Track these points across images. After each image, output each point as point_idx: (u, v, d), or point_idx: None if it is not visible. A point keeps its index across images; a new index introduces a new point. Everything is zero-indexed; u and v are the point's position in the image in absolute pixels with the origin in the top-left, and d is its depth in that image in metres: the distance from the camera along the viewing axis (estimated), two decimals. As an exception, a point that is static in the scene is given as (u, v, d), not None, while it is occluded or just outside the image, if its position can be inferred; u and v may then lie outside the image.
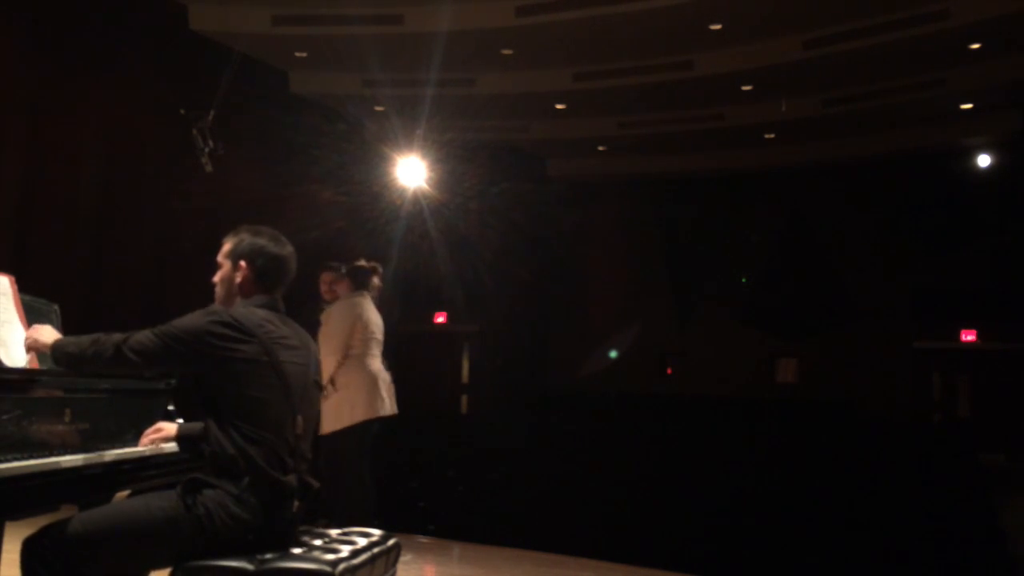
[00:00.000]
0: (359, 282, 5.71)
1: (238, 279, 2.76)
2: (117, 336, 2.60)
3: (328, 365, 5.34)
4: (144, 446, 2.89)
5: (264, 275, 2.76)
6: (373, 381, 5.54)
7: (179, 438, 2.90)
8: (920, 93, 12.35)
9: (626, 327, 16.77)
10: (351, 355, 5.55)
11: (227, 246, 2.82)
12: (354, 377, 5.50)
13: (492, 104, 12.87)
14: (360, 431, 5.49)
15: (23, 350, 2.78)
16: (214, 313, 2.63)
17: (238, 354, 2.57)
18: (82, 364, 2.63)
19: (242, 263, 2.76)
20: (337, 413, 5.45)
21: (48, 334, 2.72)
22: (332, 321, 5.58)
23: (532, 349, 16.97)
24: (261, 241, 2.80)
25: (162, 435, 2.92)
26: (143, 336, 2.59)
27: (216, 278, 2.84)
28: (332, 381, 5.46)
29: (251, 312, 2.67)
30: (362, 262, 5.82)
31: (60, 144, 9.03)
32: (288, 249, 2.84)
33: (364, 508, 5.46)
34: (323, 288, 6.11)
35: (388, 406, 5.60)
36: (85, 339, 2.63)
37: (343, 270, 5.79)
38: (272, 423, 2.57)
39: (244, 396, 2.55)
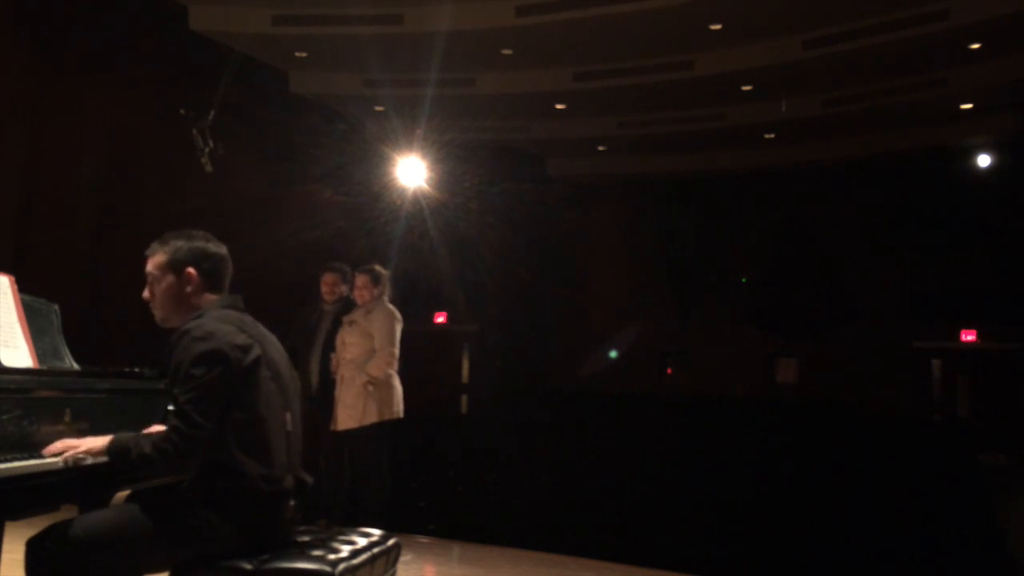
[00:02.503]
0: (386, 288, 5.79)
1: (188, 288, 2.66)
2: (171, 435, 2.42)
3: (381, 366, 5.57)
4: (52, 455, 2.47)
5: (212, 276, 2.69)
6: (396, 383, 5.71)
7: (111, 452, 2.49)
8: (920, 93, 12.34)
9: (626, 327, 16.76)
10: None
11: (160, 257, 2.68)
12: (384, 378, 5.65)
13: (492, 104, 12.86)
14: (383, 428, 5.62)
15: (24, 350, 2.78)
16: (214, 331, 2.49)
17: (250, 359, 2.53)
18: (154, 467, 2.53)
19: (189, 270, 2.66)
20: (365, 410, 5.52)
21: (97, 440, 2.49)
22: (381, 326, 5.66)
23: (532, 349, 16.96)
24: (199, 244, 2.71)
25: (75, 451, 2.46)
26: (187, 409, 2.41)
27: (153, 293, 2.68)
28: (373, 381, 5.57)
29: (229, 314, 2.61)
30: (378, 267, 5.86)
31: (60, 144, 9.03)
32: (224, 248, 2.77)
33: (382, 507, 5.52)
34: (325, 289, 6.12)
35: (402, 408, 5.76)
36: (146, 443, 2.45)
37: (375, 275, 5.78)
38: (271, 423, 2.56)
39: (249, 401, 2.52)
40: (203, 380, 2.44)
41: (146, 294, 2.72)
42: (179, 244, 2.69)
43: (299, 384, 2.81)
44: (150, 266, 2.70)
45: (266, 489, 2.50)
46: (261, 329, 2.70)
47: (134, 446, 2.46)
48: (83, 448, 2.48)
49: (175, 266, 2.67)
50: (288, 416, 2.64)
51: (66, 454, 2.46)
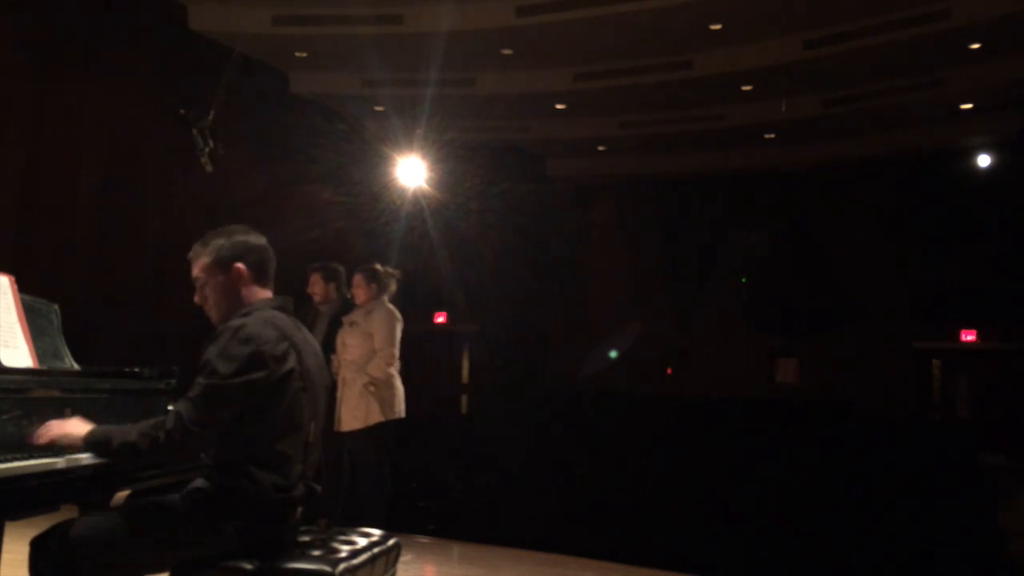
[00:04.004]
0: (386, 287, 5.78)
1: (240, 284, 2.62)
2: (166, 420, 2.40)
3: (381, 366, 5.58)
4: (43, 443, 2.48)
5: (258, 268, 2.66)
6: (398, 383, 5.72)
7: (88, 442, 2.45)
8: (920, 93, 12.35)
9: (626, 327, 16.76)
10: None
11: (205, 259, 2.63)
12: (385, 378, 5.67)
13: (492, 104, 12.86)
14: (385, 429, 5.63)
15: (24, 350, 2.78)
16: (256, 335, 2.44)
17: (282, 371, 2.48)
18: (139, 457, 2.44)
19: (237, 265, 2.62)
20: (368, 410, 5.54)
21: (78, 426, 2.47)
22: (381, 326, 5.67)
23: (532, 349, 16.96)
24: (240, 238, 2.66)
25: (48, 436, 2.46)
26: (197, 401, 2.39)
27: (206, 295, 2.64)
28: (374, 382, 5.57)
29: (277, 317, 2.56)
30: (378, 266, 5.85)
31: (60, 144, 9.03)
32: (264, 238, 2.74)
33: (382, 507, 5.52)
34: (313, 289, 6.11)
35: (404, 408, 5.77)
36: (131, 431, 2.42)
37: (370, 274, 5.79)
38: (291, 435, 2.53)
39: (273, 412, 2.48)
40: (223, 381, 2.41)
41: (197, 299, 2.66)
42: (220, 242, 2.64)
43: (328, 392, 2.77)
44: (196, 270, 2.65)
45: (276, 497, 2.49)
46: (304, 335, 2.66)
47: (116, 434, 2.42)
48: (55, 432, 2.45)
49: (222, 264, 2.62)
50: (312, 426, 2.60)
51: (40, 439, 2.45)
